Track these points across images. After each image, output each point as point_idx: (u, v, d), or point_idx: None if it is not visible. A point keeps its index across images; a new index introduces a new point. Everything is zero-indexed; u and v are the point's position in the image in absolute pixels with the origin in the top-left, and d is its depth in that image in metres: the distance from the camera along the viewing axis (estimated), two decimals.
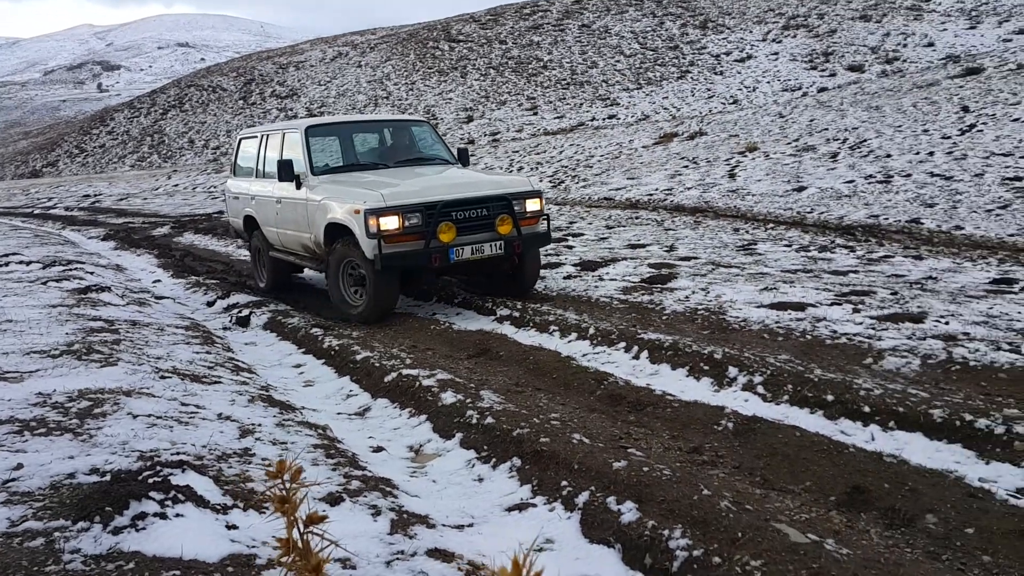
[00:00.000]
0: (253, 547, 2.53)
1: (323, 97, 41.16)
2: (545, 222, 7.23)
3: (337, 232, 6.85)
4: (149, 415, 3.76)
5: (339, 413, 4.74)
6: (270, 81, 46.07)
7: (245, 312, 7.50)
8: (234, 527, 2.62)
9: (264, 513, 2.77)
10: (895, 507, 3.04)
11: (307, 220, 7.28)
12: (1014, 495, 3.06)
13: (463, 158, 8.18)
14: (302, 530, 1.34)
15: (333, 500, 3.03)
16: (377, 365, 5.29)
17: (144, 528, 2.44)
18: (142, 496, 2.55)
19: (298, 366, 5.86)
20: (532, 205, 7.05)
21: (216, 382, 4.70)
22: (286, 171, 7.15)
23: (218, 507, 2.72)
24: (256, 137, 8.85)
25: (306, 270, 9.24)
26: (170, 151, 44.41)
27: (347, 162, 7.85)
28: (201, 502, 2.70)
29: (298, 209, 7.44)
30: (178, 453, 3.25)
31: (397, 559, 2.63)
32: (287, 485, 1.33)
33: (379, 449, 4.04)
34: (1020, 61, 17.70)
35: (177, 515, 2.56)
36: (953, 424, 3.65)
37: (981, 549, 2.73)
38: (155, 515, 2.50)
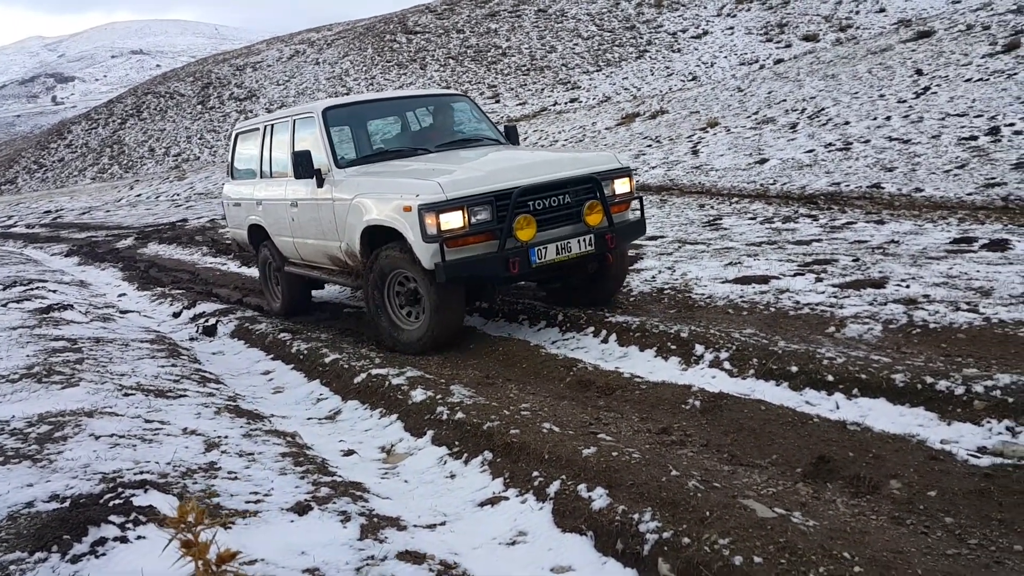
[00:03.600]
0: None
1: (282, 97, 40.75)
2: (638, 207, 5.89)
3: (378, 237, 5.56)
4: (112, 435, 3.70)
5: (309, 418, 4.71)
6: (228, 84, 45.49)
7: (212, 321, 7.42)
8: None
9: (230, 529, 2.74)
10: (860, 475, 3.08)
11: (335, 225, 5.96)
12: (974, 455, 3.11)
13: (512, 137, 6.83)
14: (214, 571, 1.31)
15: (301, 509, 3.00)
16: (346, 367, 5.25)
17: (104, 554, 2.40)
18: (101, 521, 2.51)
19: (267, 373, 5.81)
20: (621, 187, 5.67)
21: (182, 395, 4.64)
22: (303, 166, 5.85)
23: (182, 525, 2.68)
24: (256, 130, 7.49)
25: (327, 285, 8.06)
26: (131, 161, 43.76)
27: (377, 150, 6.50)
28: (164, 522, 2.66)
29: (322, 212, 6.10)
30: (141, 472, 3.20)
31: (367, 564, 2.61)
32: (194, 528, 1.31)
33: (349, 452, 4.02)
34: (969, 22, 17.90)
35: (138, 537, 2.52)
36: (915, 388, 3.70)
37: (944, 511, 2.77)
38: (115, 539, 2.47)
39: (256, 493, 3.16)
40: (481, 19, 40.92)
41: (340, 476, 3.51)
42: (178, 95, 47.21)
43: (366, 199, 5.55)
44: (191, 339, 7.13)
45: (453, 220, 4.96)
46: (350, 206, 5.70)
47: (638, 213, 5.89)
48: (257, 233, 7.62)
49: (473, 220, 5.02)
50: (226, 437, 3.87)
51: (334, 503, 3.09)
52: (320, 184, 6.04)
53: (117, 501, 2.72)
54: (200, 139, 40.62)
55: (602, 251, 5.49)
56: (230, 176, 8.25)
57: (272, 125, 7.18)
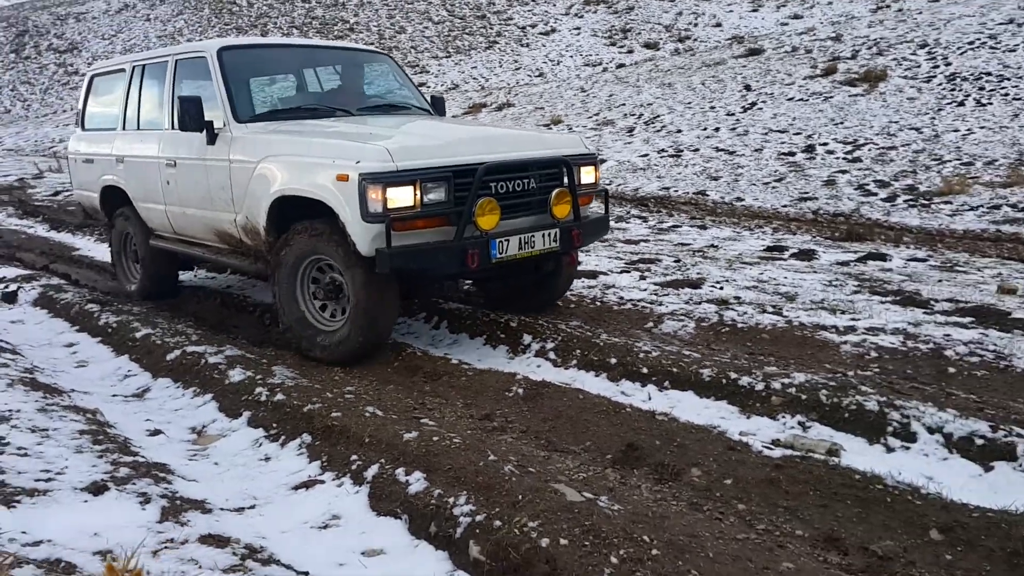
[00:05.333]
0: None
1: (107, 52, 37.75)
2: (603, 202, 5.26)
3: (291, 212, 4.56)
4: None
5: (114, 395, 4.40)
6: (47, 34, 41.58)
7: (12, 287, 6.77)
8: None
9: (13, 508, 2.51)
10: (664, 462, 3.25)
11: (229, 193, 4.92)
12: (768, 446, 3.36)
13: (439, 108, 6.01)
14: None
15: (96, 490, 2.80)
16: (159, 343, 4.95)
17: None
18: None
19: (70, 345, 5.37)
20: (587, 176, 4.95)
21: None
22: (190, 115, 4.77)
23: None
24: (121, 71, 6.25)
25: (198, 267, 6.89)
26: None
27: (287, 105, 5.50)
28: None
29: (212, 176, 5.03)
30: None
31: (165, 548, 2.47)
32: None
33: (156, 432, 3.79)
34: (794, 44, 19.33)
35: None
36: (720, 382, 3.95)
37: (737, 498, 2.98)
38: None
39: (47, 471, 2.93)
40: None
41: (143, 457, 3.31)
42: None
43: (278, 163, 4.53)
44: None
45: (403, 196, 4.05)
46: (254, 170, 4.66)
47: (603, 208, 5.28)
48: (113, 197, 6.39)
49: (425, 199, 4.12)
50: (18, 411, 3.55)
51: (134, 484, 2.91)
52: (212, 141, 4.97)
53: None
54: (12, 91, 36.95)
55: (566, 249, 4.76)
56: (80, 127, 6.94)
57: (143, 66, 5.99)
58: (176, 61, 5.56)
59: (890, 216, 9.27)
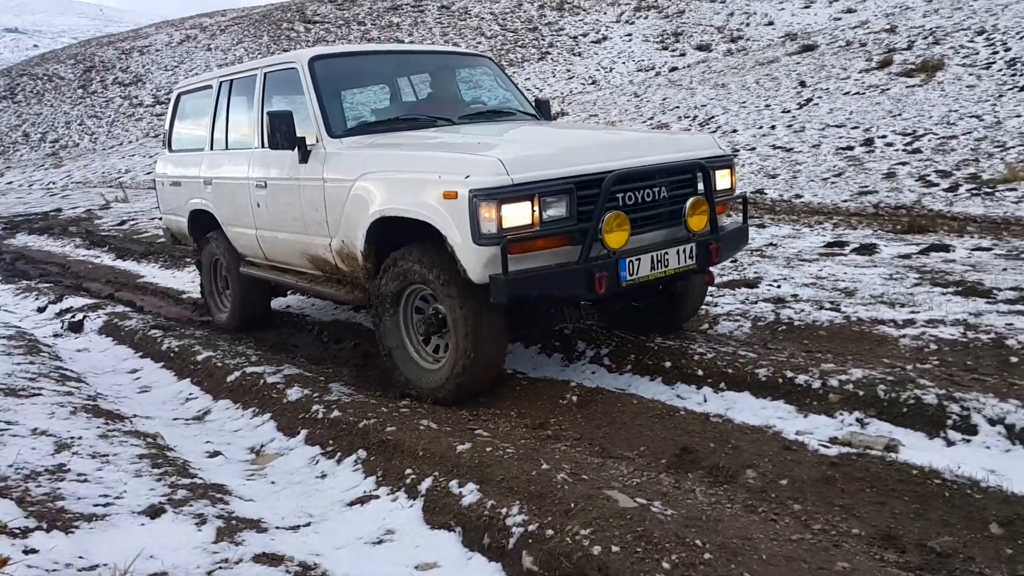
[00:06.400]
0: (54, 570, 2.36)
1: (171, 83, 39.06)
2: (742, 210, 4.58)
3: (392, 234, 4.15)
4: None
5: (175, 419, 4.51)
6: (112, 68, 43.31)
7: (79, 317, 7.02)
8: (33, 551, 2.43)
9: (72, 533, 2.59)
10: (719, 464, 3.18)
11: (324, 214, 4.54)
12: (825, 444, 3.26)
13: (545, 112, 5.48)
14: None
15: (154, 512, 2.87)
16: (219, 365, 5.05)
17: None
18: None
19: (134, 371, 5.53)
20: (722, 180, 4.35)
21: (36, 394, 4.36)
22: (281, 132, 4.44)
23: (17, 531, 2.52)
24: (208, 88, 5.94)
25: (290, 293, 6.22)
26: (3, 146, 41.13)
27: (384, 116, 5.09)
28: None
29: (305, 196, 4.66)
30: None
31: (219, 568, 2.52)
32: None
33: (215, 454, 3.87)
34: (848, 38, 18.88)
35: None
36: (776, 382, 3.85)
37: (792, 498, 2.90)
38: None
39: (106, 496, 3.00)
40: (383, 12, 40.43)
41: (201, 478, 3.37)
42: (57, 78, 44.65)
43: (377, 181, 4.11)
44: (55, 335, 6.72)
45: (519, 214, 3.53)
46: (351, 190, 4.26)
47: (739, 217, 4.62)
48: (202, 221, 6.07)
49: (545, 216, 3.60)
50: (80, 438, 3.66)
51: (191, 506, 2.96)
52: (304, 159, 4.61)
53: None
54: (80, 125, 38.54)
55: (704, 266, 4.16)
56: (167, 148, 6.65)
57: (231, 82, 5.67)
58: (265, 74, 5.23)
59: (953, 206, 8.94)
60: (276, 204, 5.02)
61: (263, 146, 5.07)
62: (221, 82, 5.80)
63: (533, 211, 3.56)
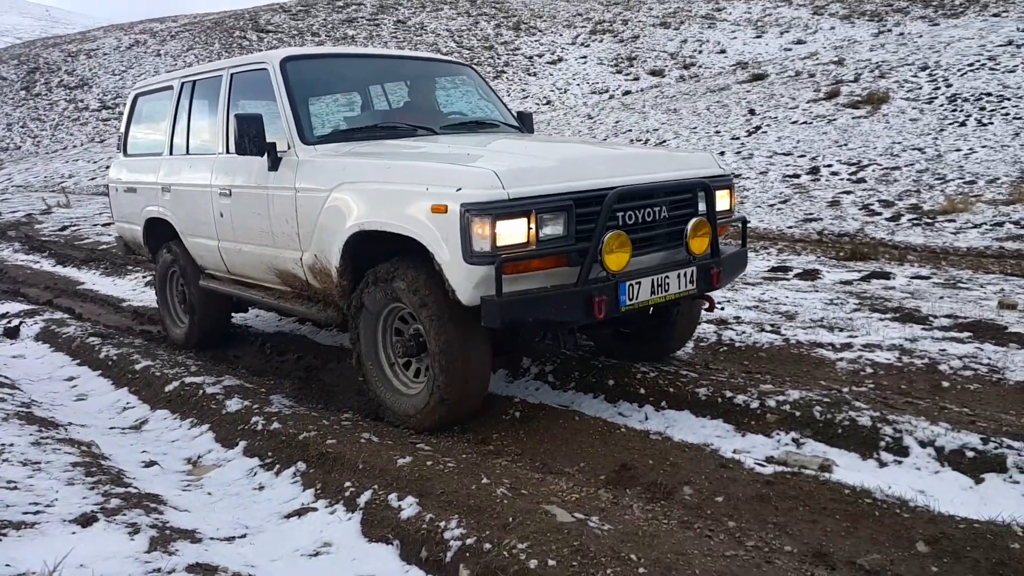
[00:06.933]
0: None
1: (118, 88, 38.38)
2: (741, 233, 4.47)
3: (371, 250, 3.92)
4: None
5: (112, 428, 4.41)
6: (58, 70, 42.32)
7: (15, 323, 6.82)
8: None
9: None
10: (657, 482, 3.23)
11: (295, 226, 4.26)
12: (761, 463, 3.34)
13: (527, 125, 5.30)
14: None
15: (85, 521, 2.80)
16: (158, 374, 4.96)
17: None
18: None
19: (71, 379, 5.39)
20: (722, 201, 4.13)
21: None
22: (250, 136, 4.16)
23: None
24: (168, 89, 5.61)
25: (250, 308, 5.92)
26: None
27: (363, 123, 4.83)
28: None
29: (275, 206, 4.38)
30: None
31: None
32: None
33: (151, 464, 3.79)
34: (797, 69, 19.42)
35: None
36: (716, 401, 3.93)
37: (728, 515, 2.96)
38: None
39: (36, 504, 2.93)
40: (338, 24, 40.31)
41: (136, 488, 3.31)
42: (0, 78, 43.51)
43: (356, 192, 3.84)
44: None
45: (515, 231, 3.29)
46: (326, 201, 3.99)
47: (740, 240, 4.45)
48: (158, 230, 5.76)
49: (541, 234, 3.36)
50: (11, 445, 3.56)
51: (124, 515, 2.90)
52: (274, 166, 4.33)
53: None
54: (22, 127, 37.52)
55: (704, 291, 3.96)
56: (122, 151, 6.28)
57: (193, 83, 5.34)
58: (232, 75, 4.92)
59: (895, 235, 9.25)
60: (241, 214, 4.72)
61: (228, 151, 4.82)
62: (183, 83, 5.49)
63: (529, 228, 3.32)
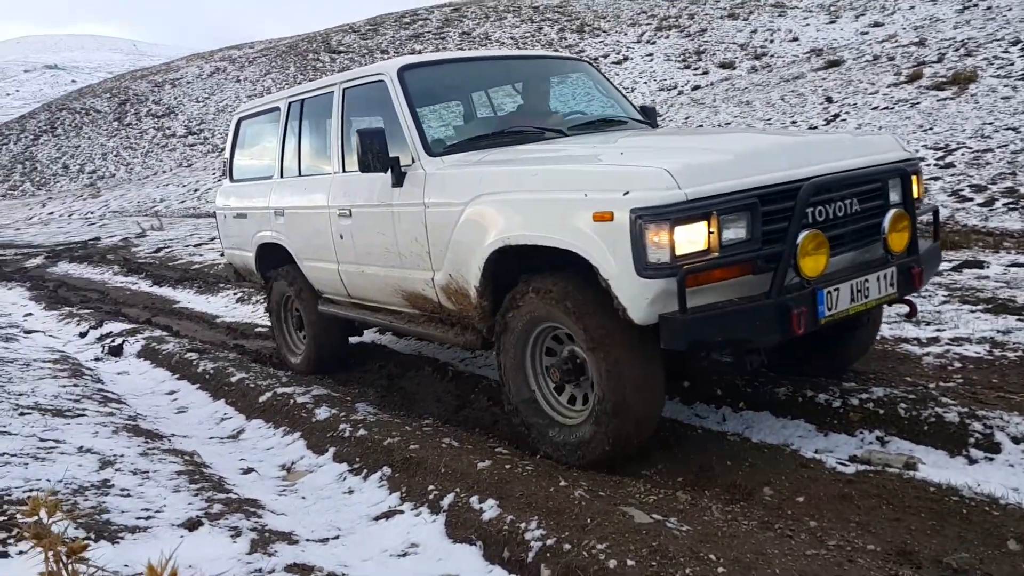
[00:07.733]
0: None
1: (202, 114, 40.07)
2: (933, 225, 3.86)
3: (510, 266, 3.56)
4: (3, 454, 3.63)
5: (211, 437, 4.67)
6: (146, 100, 44.47)
7: (118, 341, 7.26)
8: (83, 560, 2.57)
9: (117, 544, 2.73)
10: (736, 483, 3.24)
11: (425, 245, 3.99)
12: (843, 462, 3.31)
13: (652, 119, 4.89)
14: (64, 561, 1.36)
15: (192, 525, 3.01)
16: (252, 386, 5.22)
17: None
18: None
19: (171, 393, 5.72)
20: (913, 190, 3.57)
21: (80, 415, 4.55)
22: (373, 153, 3.92)
23: (69, 540, 2.67)
24: (274, 111, 5.47)
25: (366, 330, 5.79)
26: (43, 178, 42.26)
27: (486, 130, 4.48)
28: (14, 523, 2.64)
29: (401, 223, 4.12)
30: (31, 490, 3.16)
31: None
32: (45, 520, 1.36)
33: (249, 471, 4.01)
34: (875, 53, 18.85)
35: (19, 552, 2.50)
36: (796, 400, 3.91)
37: (809, 515, 2.96)
38: None
39: (147, 510, 3.15)
40: (405, 40, 41.09)
41: (236, 493, 3.52)
42: (94, 111, 45.90)
43: (497, 203, 3.51)
44: (96, 359, 6.96)
45: (696, 237, 2.89)
46: (461, 215, 3.68)
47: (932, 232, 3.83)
48: (271, 256, 5.61)
49: (724, 239, 2.93)
50: (122, 456, 3.83)
51: (226, 519, 3.10)
52: (399, 182, 4.08)
53: (2, 517, 2.70)
54: (116, 156, 39.53)
55: (905, 294, 3.47)
56: (228, 177, 6.18)
57: (302, 102, 5.16)
58: (344, 90, 4.69)
59: (988, 221, 8.89)
60: (363, 234, 4.49)
61: (344, 170, 4.66)
62: (290, 102, 5.30)
63: (710, 233, 2.89)
